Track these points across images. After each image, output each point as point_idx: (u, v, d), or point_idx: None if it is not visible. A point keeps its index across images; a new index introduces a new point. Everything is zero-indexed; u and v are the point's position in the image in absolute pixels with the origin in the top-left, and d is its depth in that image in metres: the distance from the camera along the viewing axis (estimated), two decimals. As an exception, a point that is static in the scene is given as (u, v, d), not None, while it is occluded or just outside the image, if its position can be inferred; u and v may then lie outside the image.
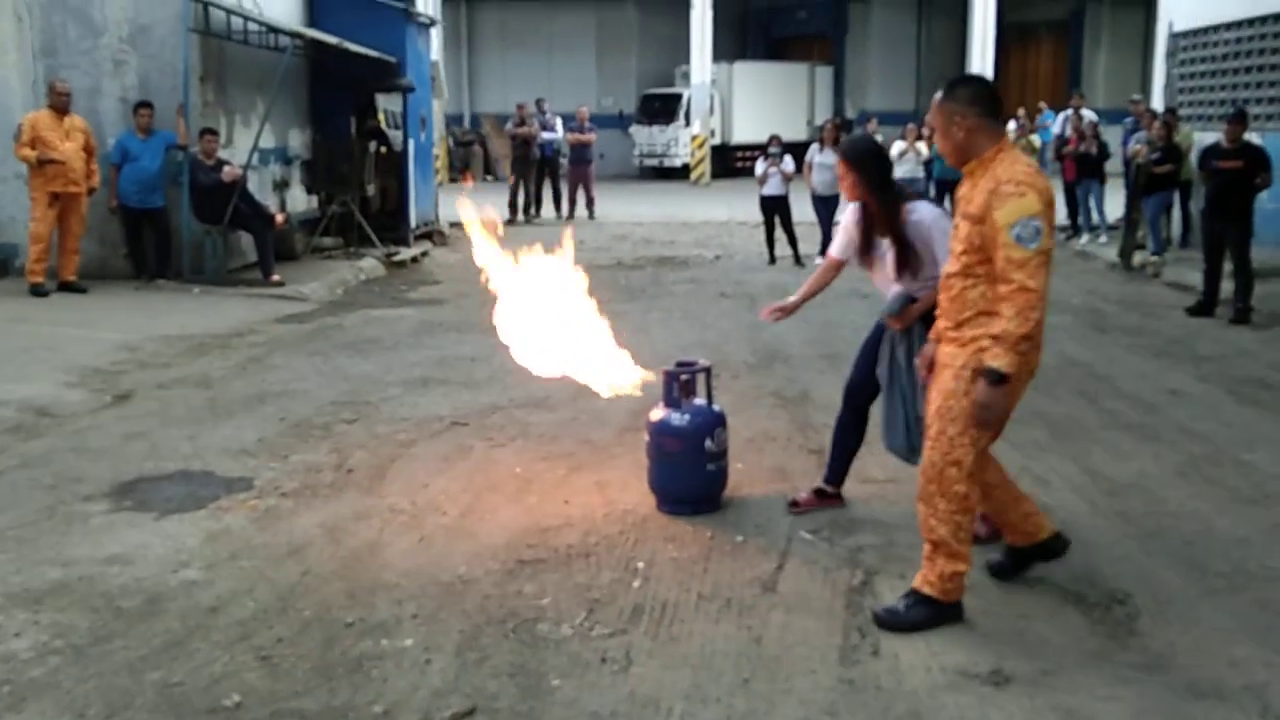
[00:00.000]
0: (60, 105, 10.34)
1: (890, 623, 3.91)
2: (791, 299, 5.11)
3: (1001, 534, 4.38)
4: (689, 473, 4.98)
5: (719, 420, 5.04)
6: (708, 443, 4.96)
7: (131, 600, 4.11)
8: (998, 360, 3.63)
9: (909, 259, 4.56)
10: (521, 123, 18.60)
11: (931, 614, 3.90)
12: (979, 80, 3.99)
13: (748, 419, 6.46)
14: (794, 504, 5.05)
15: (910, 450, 4.56)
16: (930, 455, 3.89)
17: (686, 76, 28.34)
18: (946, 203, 16.79)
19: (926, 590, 3.92)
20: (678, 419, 4.99)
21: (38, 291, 10.20)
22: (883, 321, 4.72)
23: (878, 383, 4.78)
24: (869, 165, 4.64)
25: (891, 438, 4.72)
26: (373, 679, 3.55)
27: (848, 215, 4.87)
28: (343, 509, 5.09)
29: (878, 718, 3.34)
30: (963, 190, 3.89)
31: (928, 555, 3.94)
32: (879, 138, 17.36)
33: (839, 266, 4.97)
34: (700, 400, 5.10)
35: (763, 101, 29.42)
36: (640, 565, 4.44)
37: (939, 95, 3.92)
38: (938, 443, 3.86)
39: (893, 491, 5.18)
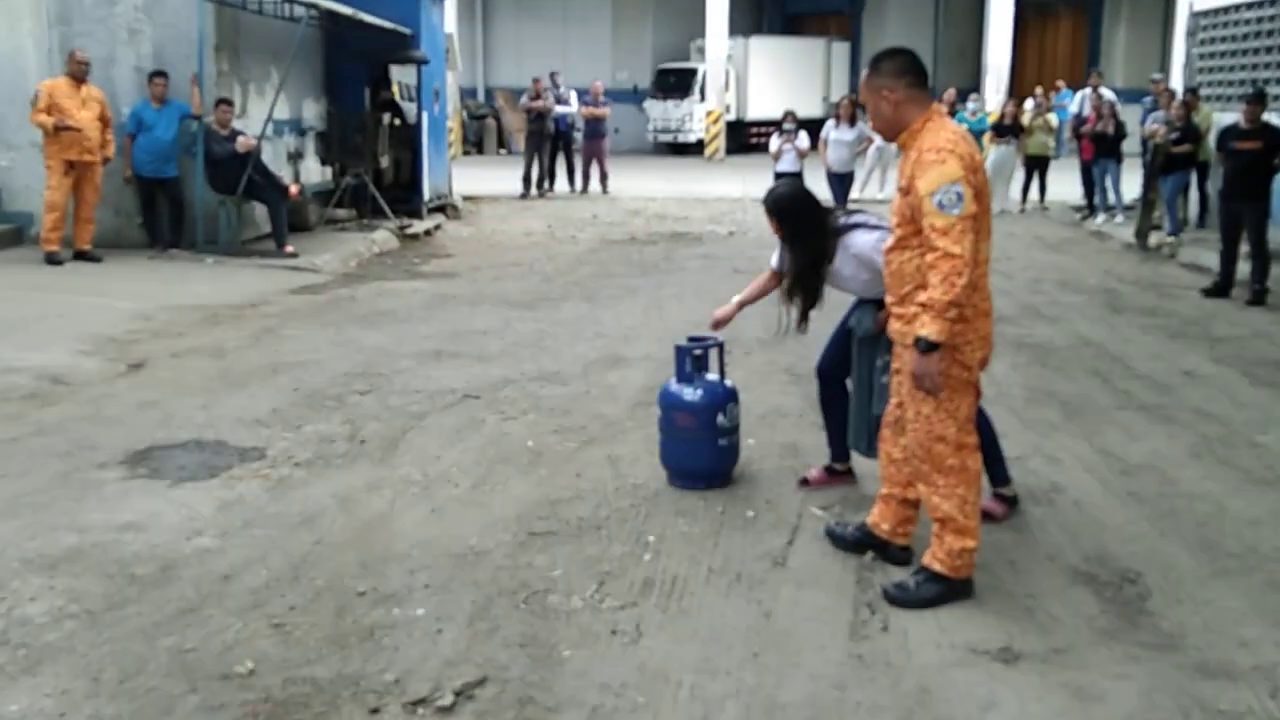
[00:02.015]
0: (78, 74, 10.35)
1: (901, 599, 3.91)
2: (727, 306, 5.05)
3: (989, 513, 4.45)
4: (701, 447, 4.98)
5: (731, 395, 5.04)
6: (719, 418, 4.96)
7: (145, 567, 4.13)
8: (925, 328, 3.62)
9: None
10: (536, 96, 18.54)
11: (942, 590, 3.90)
12: (904, 52, 3.95)
13: (760, 395, 6.45)
14: (805, 480, 5.05)
15: (870, 448, 4.57)
16: (914, 437, 3.90)
17: (702, 51, 28.20)
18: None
19: (936, 567, 3.92)
20: (690, 394, 4.99)
21: (53, 260, 10.24)
22: (859, 333, 4.67)
23: (846, 358, 4.77)
24: (786, 219, 4.64)
25: (855, 437, 4.75)
26: (384, 648, 3.57)
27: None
28: (355, 479, 5.11)
29: (887, 693, 3.34)
30: (900, 164, 3.91)
31: (936, 533, 3.94)
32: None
33: (778, 278, 4.88)
34: (712, 375, 5.10)
35: (778, 77, 29.26)
36: (651, 539, 4.45)
37: (865, 71, 3.95)
38: (917, 423, 3.87)
39: (904, 469, 5.17)
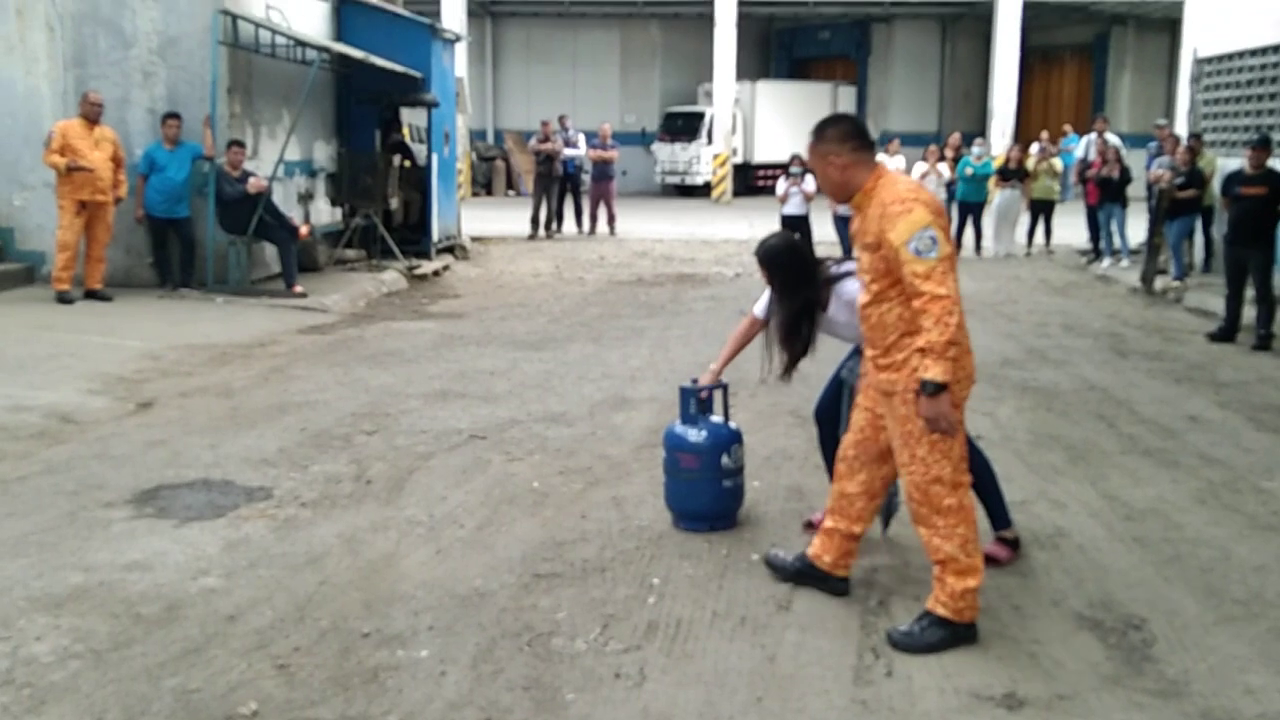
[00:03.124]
0: (92, 115, 10.46)
1: (905, 645, 3.91)
2: (713, 366, 5.07)
3: (994, 557, 4.53)
4: (705, 489, 4.99)
5: (735, 437, 5.05)
6: (724, 459, 4.97)
7: (151, 607, 4.15)
8: (930, 371, 3.69)
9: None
10: (545, 139, 18.69)
11: (947, 635, 3.90)
12: (845, 118, 4.15)
13: (765, 437, 6.47)
14: (810, 524, 5.05)
15: None
16: (911, 480, 3.93)
17: (709, 95, 28.44)
18: (969, 226, 16.83)
19: (940, 611, 3.92)
20: (694, 435, 5.00)
21: (64, 299, 10.31)
22: (850, 381, 4.70)
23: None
24: (776, 269, 4.68)
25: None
26: (388, 689, 3.57)
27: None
28: (361, 520, 5.12)
29: (890, 738, 3.34)
30: (854, 226, 4.03)
31: (937, 575, 3.96)
32: (900, 159, 17.45)
33: (760, 325, 4.90)
34: (717, 417, 5.12)
35: (785, 121, 29.43)
36: (655, 581, 4.46)
37: (810, 141, 4.11)
38: (913, 467, 3.91)
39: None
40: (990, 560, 4.62)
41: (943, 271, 3.68)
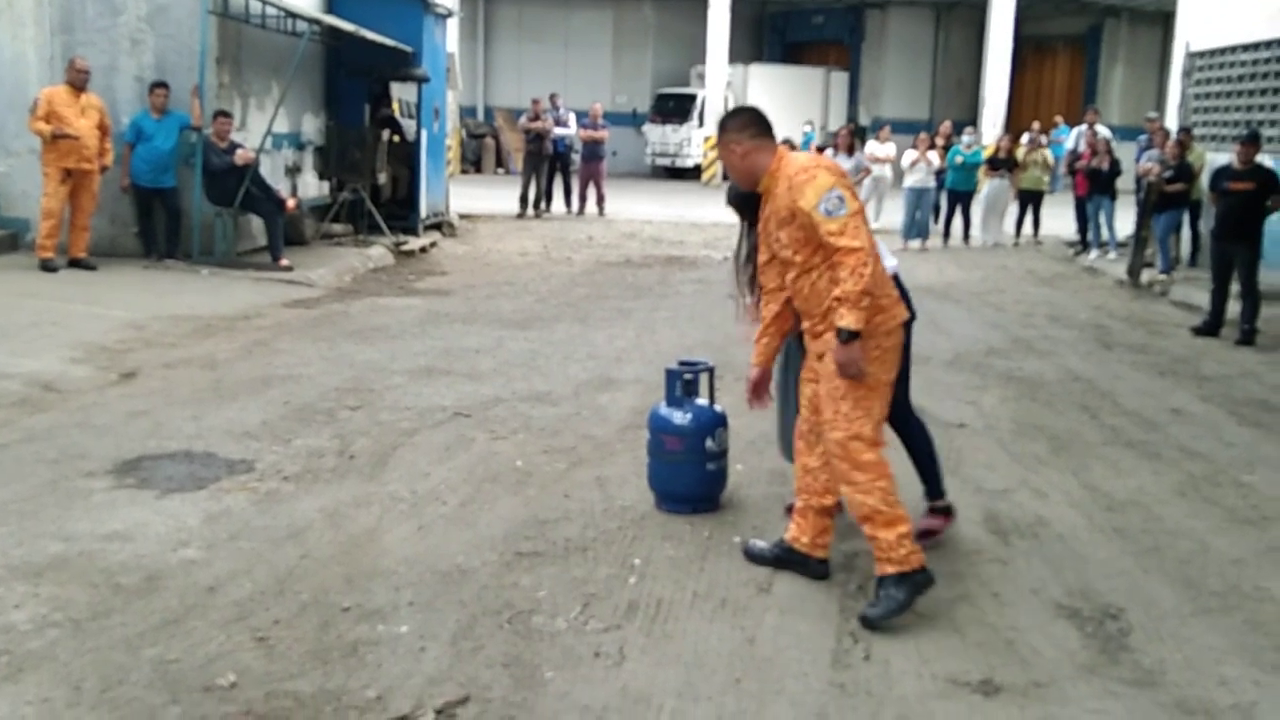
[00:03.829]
0: (78, 82, 10.37)
1: (876, 617, 3.97)
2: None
3: (930, 530, 4.70)
4: (689, 472, 5.00)
5: (720, 420, 5.06)
6: (708, 442, 4.98)
7: (130, 577, 4.13)
8: (844, 319, 3.88)
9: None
10: (536, 117, 18.61)
11: (907, 588, 3.99)
12: (745, 109, 4.35)
13: (749, 421, 6.44)
14: (790, 509, 5.06)
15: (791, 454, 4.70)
16: (832, 437, 4.07)
17: (701, 77, 28.38)
18: (958, 214, 16.85)
19: (889, 569, 4.01)
20: (679, 417, 5.00)
21: (48, 267, 10.24)
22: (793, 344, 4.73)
23: None
24: (746, 207, 4.64)
25: (783, 448, 4.93)
26: (367, 664, 3.57)
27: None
28: (343, 494, 5.12)
29: (867, 722, 3.36)
30: (764, 211, 4.22)
31: (869, 535, 4.05)
32: (891, 146, 17.45)
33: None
34: (702, 400, 5.12)
35: (777, 105, 29.20)
36: (637, 562, 4.46)
37: (715, 135, 4.35)
38: (835, 423, 4.05)
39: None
40: (927, 534, 4.74)
41: (855, 226, 3.90)
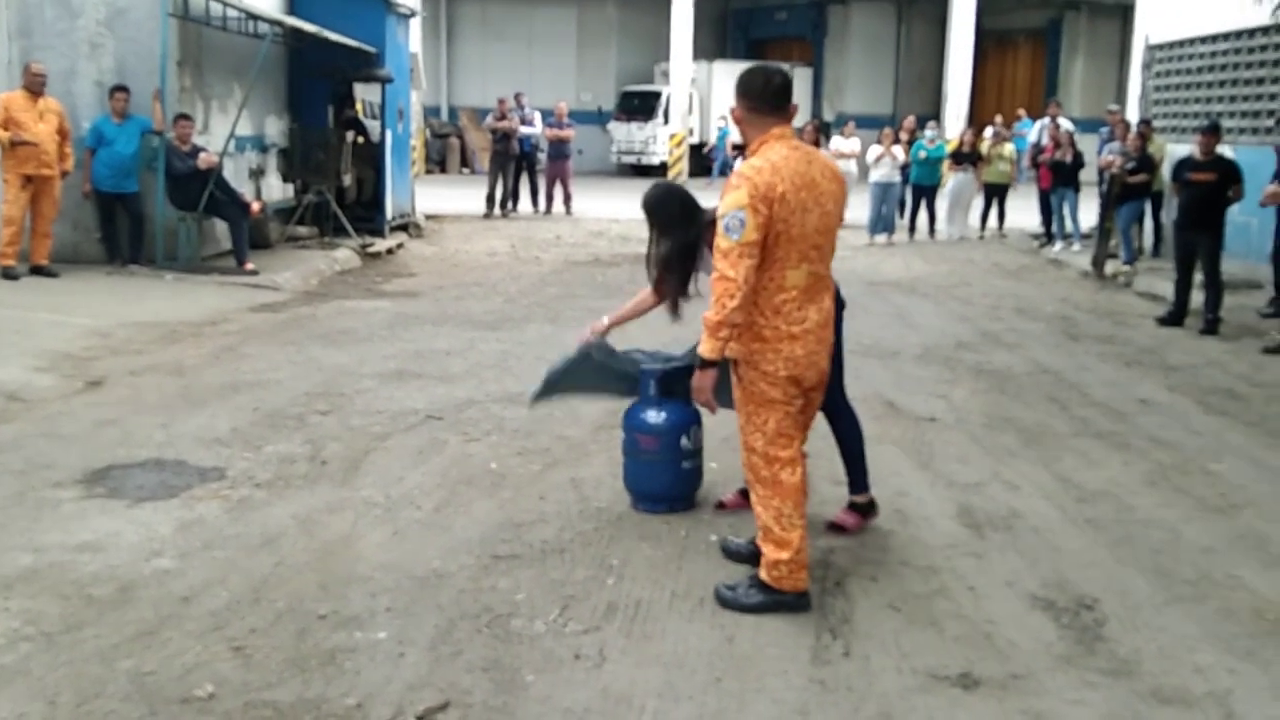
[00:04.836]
0: (35, 86, 10.22)
1: (724, 599, 4.05)
2: (599, 324, 5.20)
3: (840, 525, 4.78)
4: (664, 471, 5.00)
5: (694, 419, 5.05)
6: (683, 441, 4.97)
7: (103, 588, 4.09)
8: (701, 346, 3.88)
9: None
10: (502, 117, 18.55)
11: (765, 600, 4.02)
12: (753, 71, 4.03)
13: (722, 418, 6.44)
14: (720, 505, 5.11)
15: None
16: (742, 446, 4.11)
17: (666, 74, 28.40)
18: (923, 207, 16.94)
19: (761, 575, 4.05)
20: (654, 417, 5.00)
21: (9, 275, 10.09)
22: None
23: None
24: (655, 213, 4.85)
25: None
26: (346, 671, 3.55)
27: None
28: (316, 501, 5.08)
29: (849, 718, 3.37)
30: None
31: (759, 540, 4.09)
32: (856, 141, 17.50)
33: (658, 295, 5.05)
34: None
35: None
36: (614, 563, 4.46)
37: None
38: (741, 434, 4.10)
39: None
40: (836, 527, 4.80)
41: (739, 255, 3.74)
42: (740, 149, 14.76)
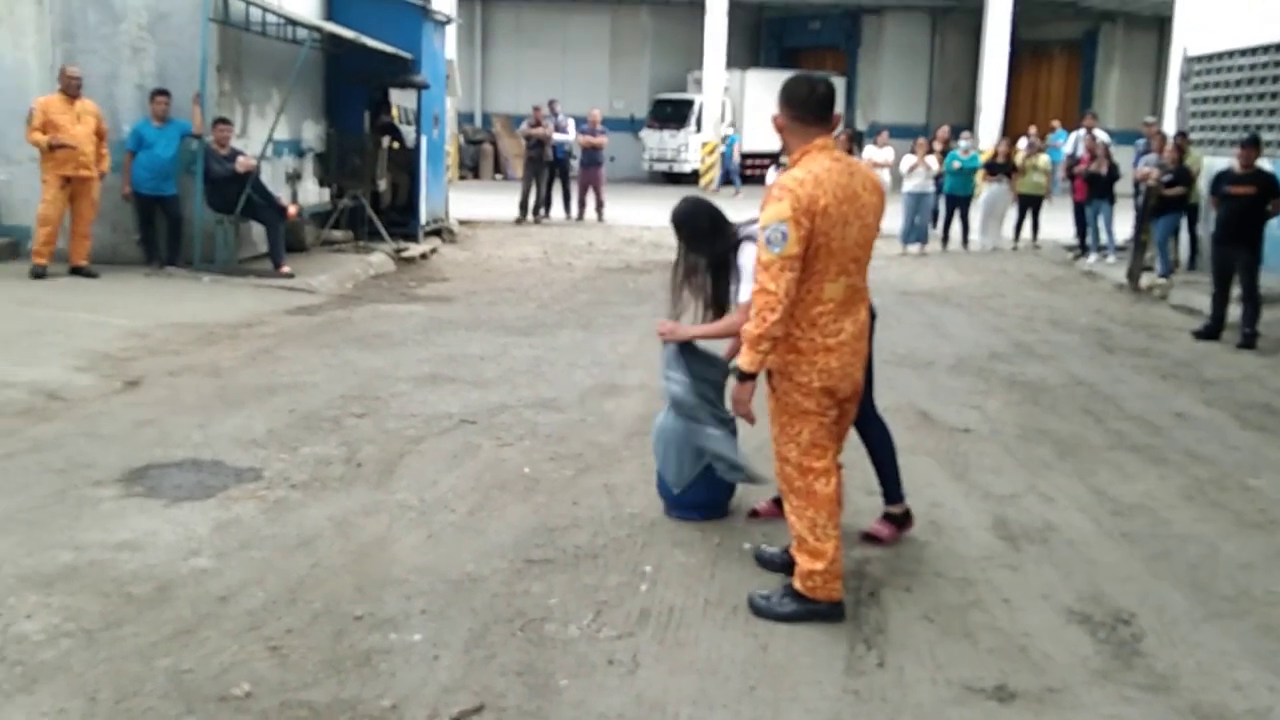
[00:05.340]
0: (70, 89, 10.34)
1: (762, 609, 4.04)
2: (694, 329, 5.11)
3: (874, 535, 4.76)
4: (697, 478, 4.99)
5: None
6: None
7: (142, 586, 4.13)
8: (740, 359, 3.88)
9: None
10: (537, 124, 18.64)
11: (799, 609, 4.01)
12: (798, 79, 3.99)
13: (756, 427, 6.45)
14: (754, 513, 5.10)
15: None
16: (775, 456, 4.11)
17: (699, 82, 28.40)
18: (956, 218, 16.87)
19: (795, 584, 4.04)
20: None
21: (37, 273, 10.18)
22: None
23: None
24: (682, 227, 4.85)
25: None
26: (381, 673, 3.57)
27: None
28: (352, 503, 5.11)
29: (883, 729, 3.36)
30: None
31: (794, 549, 4.08)
32: (889, 150, 17.47)
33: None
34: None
35: (774, 110, 29.38)
36: (648, 569, 4.46)
37: None
38: (774, 444, 4.10)
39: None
40: (871, 538, 4.77)
41: (780, 268, 3.73)
42: (775, 159, 14.73)
